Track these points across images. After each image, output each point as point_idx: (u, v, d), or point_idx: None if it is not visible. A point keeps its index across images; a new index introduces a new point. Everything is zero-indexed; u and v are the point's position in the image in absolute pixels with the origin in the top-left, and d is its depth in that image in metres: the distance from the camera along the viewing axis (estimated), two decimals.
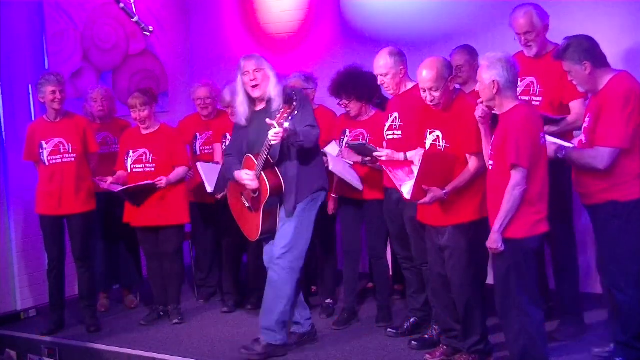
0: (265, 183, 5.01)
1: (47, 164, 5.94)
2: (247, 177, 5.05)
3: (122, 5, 5.58)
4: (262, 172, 5.02)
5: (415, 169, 4.70)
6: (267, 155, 4.95)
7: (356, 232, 5.78)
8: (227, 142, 6.24)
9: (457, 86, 4.99)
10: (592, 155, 4.43)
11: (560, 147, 4.54)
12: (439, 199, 4.62)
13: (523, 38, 5.03)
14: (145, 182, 5.88)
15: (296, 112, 4.77)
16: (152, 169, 5.99)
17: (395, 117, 5.23)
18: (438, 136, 4.72)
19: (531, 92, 5.06)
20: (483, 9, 6.46)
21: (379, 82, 5.25)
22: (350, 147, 5.44)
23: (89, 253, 6.10)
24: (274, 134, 4.80)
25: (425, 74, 4.63)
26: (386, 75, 5.16)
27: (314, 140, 5.03)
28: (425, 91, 4.67)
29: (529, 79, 5.07)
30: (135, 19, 5.63)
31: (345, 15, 7.25)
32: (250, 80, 5.05)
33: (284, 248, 5.04)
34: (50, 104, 5.92)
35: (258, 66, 5.04)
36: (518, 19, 5.02)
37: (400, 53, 5.22)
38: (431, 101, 4.68)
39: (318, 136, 5.07)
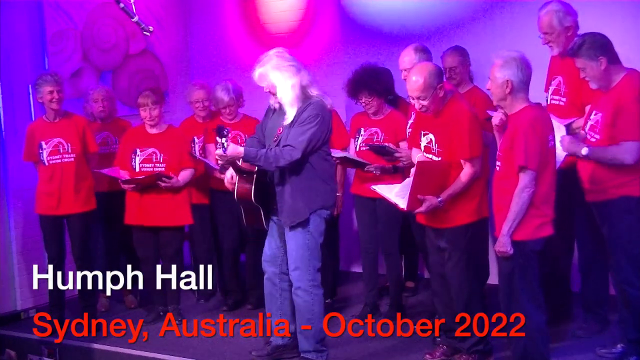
0: (234, 189, 4.96)
1: (46, 164, 5.95)
2: (226, 178, 5.03)
3: (122, 5, 5.58)
4: (238, 176, 4.93)
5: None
6: (234, 168, 4.90)
7: (372, 230, 5.79)
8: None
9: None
10: (620, 151, 4.43)
11: (584, 146, 4.53)
12: (435, 207, 4.61)
13: (543, 37, 5.02)
14: (156, 172, 5.85)
15: (224, 144, 4.64)
16: (163, 169, 5.97)
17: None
18: (431, 139, 4.71)
19: (560, 92, 5.03)
20: (484, 6, 6.46)
21: (402, 77, 5.21)
22: (370, 148, 5.45)
23: (89, 253, 6.11)
24: (218, 156, 4.77)
25: (413, 82, 4.60)
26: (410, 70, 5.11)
27: (283, 165, 4.71)
28: (413, 99, 4.66)
29: (558, 78, 5.05)
30: (135, 19, 5.63)
31: (345, 15, 7.25)
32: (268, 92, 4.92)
33: (295, 270, 4.88)
34: (49, 104, 5.92)
35: (261, 80, 4.84)
36: (540, 18, 4.99)
37: (425, 49, 5.21)
38: (420, 109, 4.67)
39: (291, 160, 4.70)
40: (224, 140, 4.65)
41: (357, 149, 5.69)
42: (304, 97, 4.77)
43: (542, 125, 4.28)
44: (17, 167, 6.44)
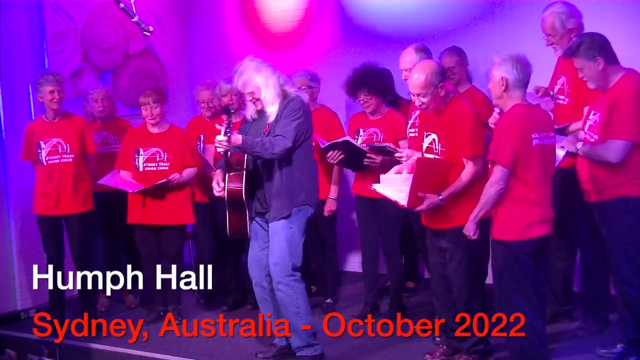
0: (224, 187, 4.99)
1: (45, 164, 5.95)
2: (215, 187, 5.03)
3: (122, 5, 5.59)
4: (227, 174, 4.99)
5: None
6: (225, 159, 4.94)
7: (373, 230, 5.79)
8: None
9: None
10: (606, 149, 4.44)
11: (579, 142, 4.55)
12: (436, 206, 4.61)
13: (546, 39, 5.02)
14: (161, 181, 5.88)
15: (230, 124, 4.76)
16: (167, 168, 5.99)
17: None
18: (434, 139, 4.71)
19: (564, 91, 5.04)
20: (483, 8, 6.46)
21: (402, 77, 5.23)
22: (371, 148, 5.46)
23: (88, 253, 6.12)
24: (218, 141, 4.79)
25: (415, 79, 4.61)
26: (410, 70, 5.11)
27: (278, 152, 4.82)
28: (414, 96, 4.67)
29: (562, 77, 5.05)
30: (135, 19, 5.64)
31: (345, 15, 7.25)
32: (249, 101, 5.03)
33: (276, 265, 4.93)
34: (49, 104, 5.93)
35: (245, 87, 4.95)
36: (543, 19, 5.01)
37: (426, 49, 5.23)
38: (420, 106, 4.67)
39: (285, 147, 4.82)
40: (230, 120, 4.78)
41: None
42: (283, 94, 4.96)
43: (522, 123, 4.26)
44: (17, 167, 6.44)
